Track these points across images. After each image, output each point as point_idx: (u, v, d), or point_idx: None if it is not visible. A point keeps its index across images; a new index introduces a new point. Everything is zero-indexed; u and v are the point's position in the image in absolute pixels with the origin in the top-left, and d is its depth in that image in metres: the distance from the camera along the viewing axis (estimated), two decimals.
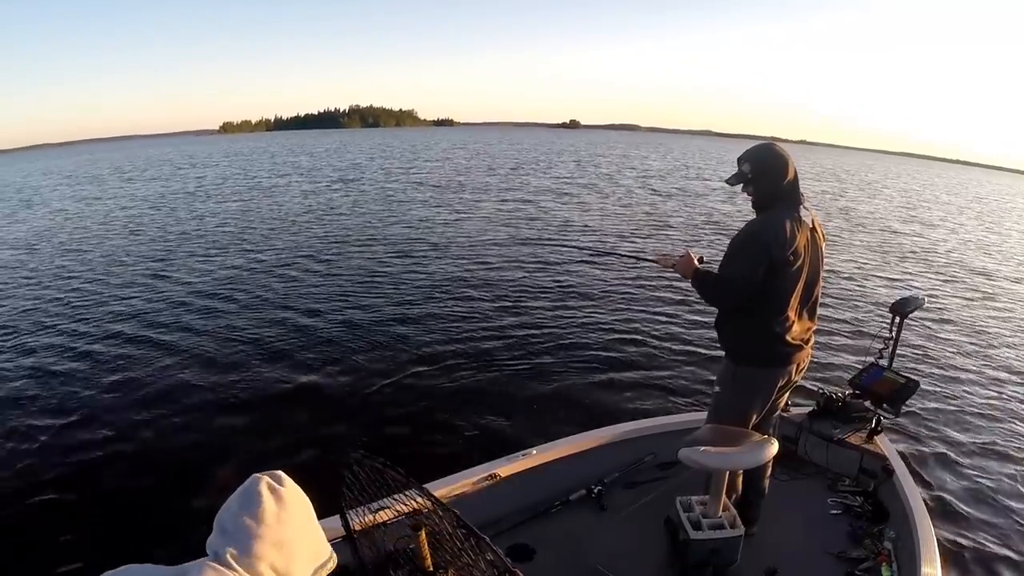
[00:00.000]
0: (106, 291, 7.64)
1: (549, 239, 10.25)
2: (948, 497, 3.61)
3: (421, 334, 5.93)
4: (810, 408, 3.03)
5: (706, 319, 6.25)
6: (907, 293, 3.04)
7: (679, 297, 7.25)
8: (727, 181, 2.21)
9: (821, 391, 3.06)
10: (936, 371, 5.57)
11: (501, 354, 5.47)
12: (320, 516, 0.94)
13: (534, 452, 2.59)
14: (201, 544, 0.81)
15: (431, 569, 1.43)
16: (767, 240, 2.02)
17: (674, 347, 5.79)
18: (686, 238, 11.40)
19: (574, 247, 9.49)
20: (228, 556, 0.73)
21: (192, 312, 6.71)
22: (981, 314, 7.75)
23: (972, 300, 8.47)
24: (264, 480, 0.80)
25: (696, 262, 2.22)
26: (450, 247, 10.06)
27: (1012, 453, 4.18)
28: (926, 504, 2.44)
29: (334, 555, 0.89)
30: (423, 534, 1.40)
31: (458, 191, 18.05)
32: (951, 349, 6.23)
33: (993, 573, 3.02)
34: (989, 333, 6.94)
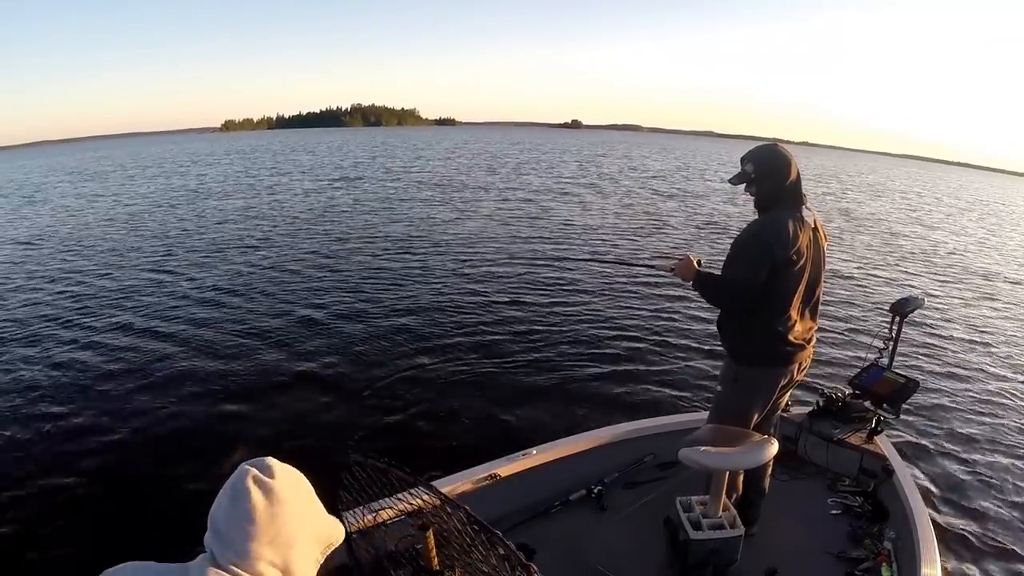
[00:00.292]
0: (108, 286, 7.65)
1: (545, 254, 9.80)
2: (948, 497, 3.61)
3: (421, 333, 5.94)
4: (810, 408, 3.03)
5: (706, 316, 6.25)
6: (907, 293, 3.04)
7: (679, 296, 7.24)
8: (730, 181, 2.20)
9: (821, 391, 3.06)
10: (936, 371, 5.57)
11: (501, 354, 5.48)
12: None
13: (534, 452, 2.59)
14: (199, 539, 0.81)
15: (437, 568, 1.42)
16: (769, 240, 2.02)
17: (674, 346, 5.79)
18: (687, 239, 11.40)
19: (572, 259, 9.42)
20: (225, 559, 0.73)
21: (193, 307, 6.72)
22: (981, 314, 7.75)
23: (972, 300, 8.47)
24: (251, 474, 0.76)
25: (696, 264, 2.21)
26: (451, 246, 10.06)
27: (1012, 453, 4.18)
28: (926, 504, 2.44)
29: (340, 528, 0.87)
30: (431, 533, 1.39)
31: (460, 190, 18.06)
32: (951, 349, 6.22)
33: (993, 573, 3.02)
34: (989, 333, 6.93)
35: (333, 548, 0.86)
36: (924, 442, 4.22)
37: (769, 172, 2.12)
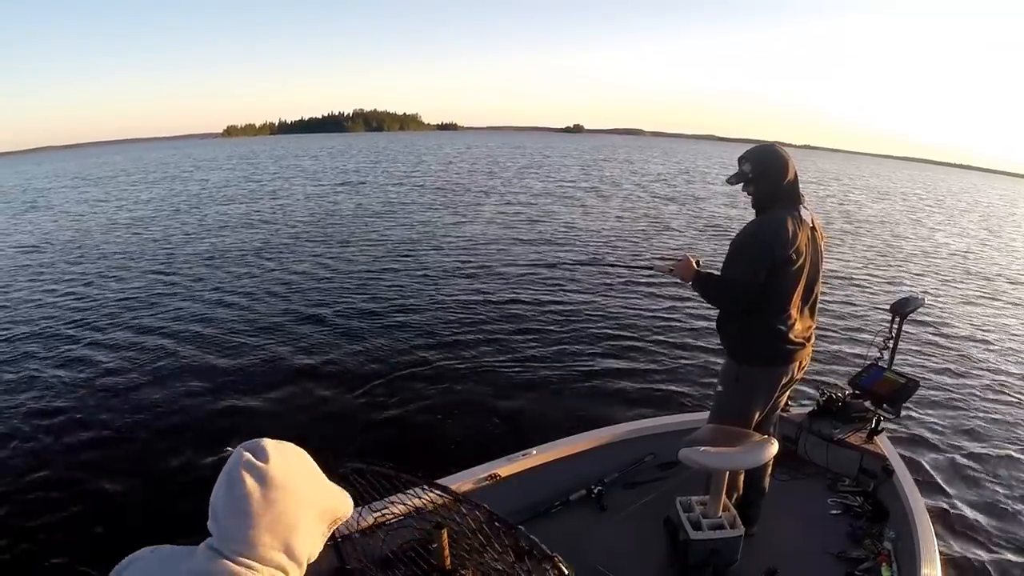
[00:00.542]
0: (111, 288, 7.68)
1: (545, 257, 9.75)
2: (948, 497, 3.60)
3: (421, 333, 5.96)
4: (810, 408, 3.03)
5: (706, 316, 6.25)
6: (907, 293, 3.04)
7: (679, 296, 7.25)
8: (728, 180, 2.21)
9: (821, 391, 3.05)
10: (936, 371, 5.57)
11: (501, 354, 5.49)
12: None
13: (534, 452, 2.59)
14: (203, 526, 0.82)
15: (450, 568, 1.41)
16: (768, 240, 2.03)
17: (674, 346, 5.80)
18: (688, 240, 11.41)
19: (572, 261, 9.43)
20: (226, 545, 0.73)
21: (197, 308, 6.75)
22: (981, 314, 7.74)
23: (973, 300, 8.46)
24: (244, 459, 0.75)
25: (694, 264, 2.21)
26: (452, 249, 10.08)
27: (1013, 453, 4.17)
28: (926, 504, 2.44)
29: (347, 499, 0.85)
30: (445, 532, 1.39)
31: (461, 194, 18.10)
32: (951, 349, 6.22)
33: (993, 572, 3.01)
34: (990, 333, 6.92)
35: (341, 521, 0.85)
36: (924, 442, 4.22)
37: (766, 171, 2.13)
